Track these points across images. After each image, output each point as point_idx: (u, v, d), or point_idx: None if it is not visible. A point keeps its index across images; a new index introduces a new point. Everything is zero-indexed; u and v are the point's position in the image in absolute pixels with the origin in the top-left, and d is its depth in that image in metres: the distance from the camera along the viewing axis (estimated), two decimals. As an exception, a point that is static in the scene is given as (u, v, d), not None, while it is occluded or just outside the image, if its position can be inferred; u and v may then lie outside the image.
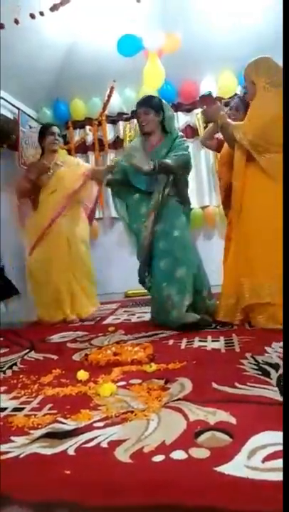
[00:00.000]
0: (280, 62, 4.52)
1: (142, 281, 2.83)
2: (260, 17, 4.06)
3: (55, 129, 3.43)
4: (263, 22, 4.05)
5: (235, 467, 0.97)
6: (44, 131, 3.46)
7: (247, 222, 2.44)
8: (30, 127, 4.61)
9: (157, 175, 2.66)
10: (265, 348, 1.94)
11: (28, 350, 2.42)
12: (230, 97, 4.58)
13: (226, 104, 4.56)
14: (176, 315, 2.54)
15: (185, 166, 2.77)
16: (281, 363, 1.72)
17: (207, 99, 2.59)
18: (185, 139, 2.96)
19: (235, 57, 4.27)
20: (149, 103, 2.75)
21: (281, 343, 1.98)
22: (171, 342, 2.27)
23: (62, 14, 3.48)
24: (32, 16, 3.08)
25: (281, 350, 1.89)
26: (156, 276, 2.68)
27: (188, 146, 2.88)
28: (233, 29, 4.13)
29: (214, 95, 4.60)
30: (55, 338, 2.73)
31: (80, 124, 5.12)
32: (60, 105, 5.06)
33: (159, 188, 2.66)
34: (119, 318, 3.20)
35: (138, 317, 3.17)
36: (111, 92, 4.73)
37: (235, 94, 3.02)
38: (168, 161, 2.65)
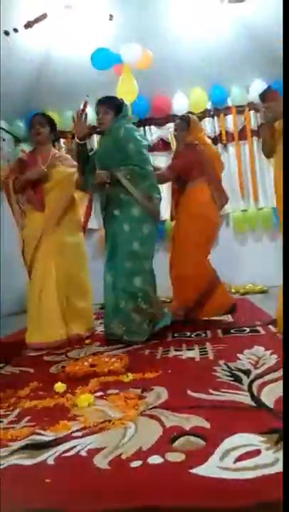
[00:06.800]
0: (254, 82, 4.67)
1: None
2: (231, 35, 4.23)
3: (37, 118, 2.95)
4: (234, 40, 4.22)
5: (209, 468, 1.03)
6: (29, 124, 3.00)
7: None
8: (4, 140, 4.60)
9: None
10: (238, 355, 2.02)
11: (3, 365, 2.41)
12: (200, 112, 4.74)
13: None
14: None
15: None
16: (252, 368, 1.80)
17: (272, 93, 2.34)
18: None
19: (206, 74, 4.47)
20: None
21: (252, 350, 2.08)
22: (146, 352, 2.32)
23: (36, 27, 3.50)
24: (6, 33, 3.11)
25: (252, 356, 1.98)
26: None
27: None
28: (204, 46, 4.28)
29: (185, 110, 4.79)
30: (31, 351, 2.71)
31: (53, 137, 5.16)
32: (34, 118, 5.08)
33: None
34: (95, 330, 3.21)
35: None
36: (85, 106, 4.78)
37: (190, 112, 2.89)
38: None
